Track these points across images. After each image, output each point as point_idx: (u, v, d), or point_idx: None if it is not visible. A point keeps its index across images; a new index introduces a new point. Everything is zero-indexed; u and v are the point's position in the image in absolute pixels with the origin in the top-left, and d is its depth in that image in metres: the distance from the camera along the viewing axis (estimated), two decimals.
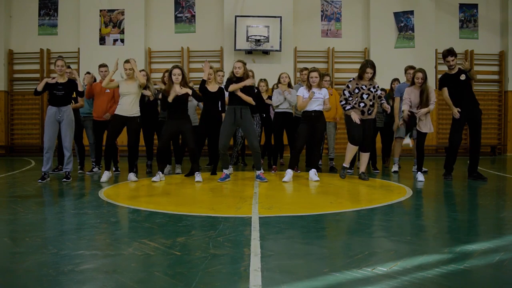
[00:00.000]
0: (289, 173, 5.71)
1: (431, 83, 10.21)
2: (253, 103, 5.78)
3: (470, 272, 2.22)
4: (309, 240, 2.94)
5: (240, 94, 5.64)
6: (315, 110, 5.77)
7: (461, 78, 5.75)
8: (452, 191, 5.12)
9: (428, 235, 3.06)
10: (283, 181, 5.61)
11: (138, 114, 5.88)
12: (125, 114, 5.76)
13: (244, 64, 5.78)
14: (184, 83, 5.80)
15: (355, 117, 5.72)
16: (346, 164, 6.01)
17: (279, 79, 6.88)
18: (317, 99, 5.76)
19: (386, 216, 3.68)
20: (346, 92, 5.83)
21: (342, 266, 2.28)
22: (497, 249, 2.59)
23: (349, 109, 5.79)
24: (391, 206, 4.05)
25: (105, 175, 5.79)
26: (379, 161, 8.28)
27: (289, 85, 6.87)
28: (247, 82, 5.68)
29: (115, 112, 5.86)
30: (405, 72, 6.93)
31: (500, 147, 11.22)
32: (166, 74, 6.23)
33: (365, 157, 6.02)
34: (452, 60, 5.79)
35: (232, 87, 5.65)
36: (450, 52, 5.81)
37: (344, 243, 2.84)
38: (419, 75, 5.83)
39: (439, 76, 10.53)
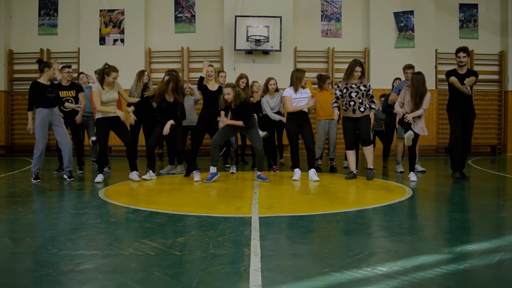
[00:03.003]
0: (297, 172, 5.89)
1: (431, 83, 10.23)
2: (243, 125, 5.73)
3: (470, 272, 2.22)
4: (309, 240, 2.95)
5: (231, 122, 5.75)
6: (302, 111, 5.91)
7: (464, 81, 5.70)
8: (452, 191, 5.12)
9: (428, 235, 3.05)
10: (293, 179, 5.79)
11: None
12: (108, 116, 5.74)
13: (234, 87, 5.65)
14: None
15: (336, 113, 5.96)
16: (353, 169, 6.04)
17: (266, 85, 6.88)
18: (302, 99, 5.88)
19: (386, 216, 3.68)
20: (337, 92, 6.03)
21: (342, 266, 2.28)
22: (497, 249, 2.59)
23: (334, 107, 6.01)
24: (391, 206, 4.05)
25: (99, 177, 5.75)
26: (379, 160, 8.28)
27: (277, 90, 6.91)
28: (237, 123, 5.71)
29: (97, 117, 5.79)
30: (403, 71, 6.90)
31: (500, 147, 11.21)
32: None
33: (367, 150, 6.00)
34: (463, 57, 5.70)
35: (227, 122, 5.77)
36: (462, 48, 5.75)
37: (344, 243, 2.84)
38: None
39: (439, 76, 10.63)
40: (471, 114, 5.83)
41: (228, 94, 5.60)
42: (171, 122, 5.78)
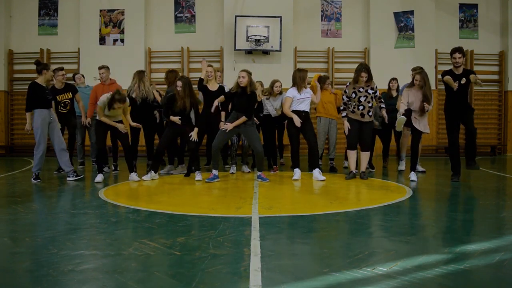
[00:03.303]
0: (297, 171, 5.90)
1: (431, 83, 10.20)
2: (248, 118, 5.70)
3: (470, 272, 2.22)
4: (309, 240, 2.95)
5: (234, 124, 5.66)
6: (304, 111, 5.92)
7: (461, 82, 5.70)
8: (452, 191, 5.12)
9: (428, 235, 3.06)
10: (293, 179, 5.80)
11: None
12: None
13: (249, 74, 5.69)
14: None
15: (346, 125, 5.95)
16: (353, 169, 6.05)
17: (272, 87, 6.87)
18: (305, 99, 5.90)
19: (386, 216, 3.68)
20: (345, 98, 6.00)
21: (342, 266, 2.28)
22: (497, 249, 2.59)
23: (344, 117, 5.99)
24: (391, 206, 4.05)
25: (99, 177, 5.76)
26: (378, 160, 8.28)
27: (281, 93, 6.90)
28: (240, 121, 5.65)
29: (97, 118, 5.88)
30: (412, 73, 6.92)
31: (500, 147, 11.20)
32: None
33: (364, 156, 6.08)
34: (459, 57, 5.68)
35: (231, 126, 5.65)
36: (458, 49, 5.72)
37: (344, 243, 2.84)
38: (418, 77, 5.91)
39: (439, 76, 10.62)
40: (469, 110, 5.82)
41: (243, 78, 5.60)
42: (196, 130, 5.86)
